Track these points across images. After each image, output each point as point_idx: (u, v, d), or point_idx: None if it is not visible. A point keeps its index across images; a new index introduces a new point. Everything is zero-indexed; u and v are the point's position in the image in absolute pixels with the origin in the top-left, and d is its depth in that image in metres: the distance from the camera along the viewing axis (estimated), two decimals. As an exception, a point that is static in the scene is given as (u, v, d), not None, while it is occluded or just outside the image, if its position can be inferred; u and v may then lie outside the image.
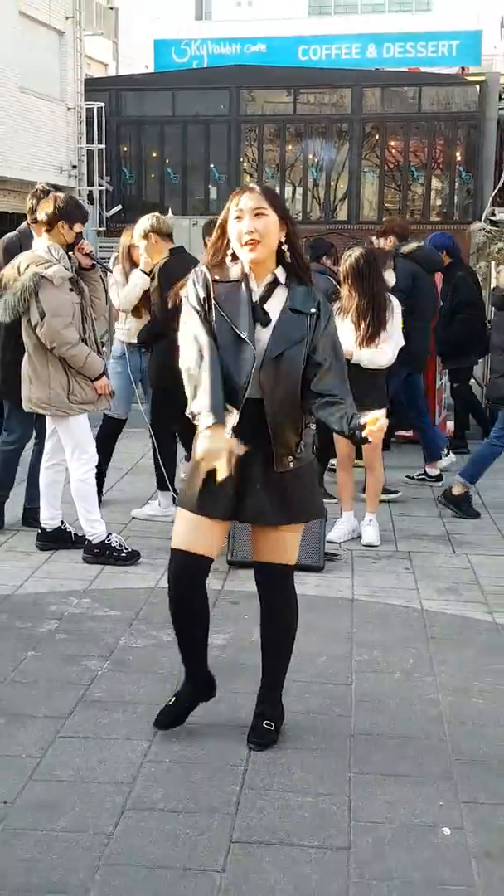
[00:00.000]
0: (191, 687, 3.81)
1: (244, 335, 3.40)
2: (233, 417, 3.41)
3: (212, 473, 3.43)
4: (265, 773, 3.52)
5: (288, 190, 29.89)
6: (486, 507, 7.15)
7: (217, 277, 3.48)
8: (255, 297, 3.46)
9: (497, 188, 27.62)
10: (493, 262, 11.62)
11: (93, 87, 28.07)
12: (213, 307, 3.45)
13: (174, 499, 6.61)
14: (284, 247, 3.49)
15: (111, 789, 3.39)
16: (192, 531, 3.59)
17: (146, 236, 6.36)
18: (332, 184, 29.93)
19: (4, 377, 6.05)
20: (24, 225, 6.50)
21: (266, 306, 3.46)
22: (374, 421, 3.28)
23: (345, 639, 4.72)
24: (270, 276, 3.49)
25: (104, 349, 5.97)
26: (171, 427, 6.47)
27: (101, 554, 5.72)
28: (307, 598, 4.54)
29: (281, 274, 3.50)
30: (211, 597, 5.16)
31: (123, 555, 5.72)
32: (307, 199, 29.83)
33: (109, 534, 5.79)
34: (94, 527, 5.74)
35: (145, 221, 6.40)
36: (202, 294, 3.47)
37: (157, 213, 6.58)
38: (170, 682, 4.18)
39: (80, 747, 3.67)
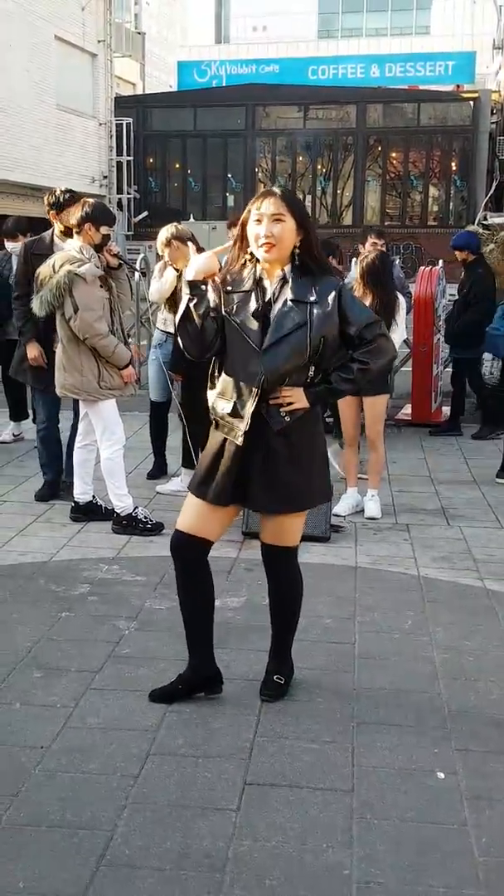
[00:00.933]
0: (191, 675, 3.68)
1: (254, 344, 3.33)
2: (245, 422, 3.36)
3: (218, 460, 3.43)
4: (276, 722, 3.50)
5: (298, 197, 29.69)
6: (476, 482, 7.10)
7: (230, 288, 3.39)
8: (269, 296, 3.37)
9: (489, 195, 27.44)
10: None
11: (122, 104, 27.96)
12: (225, 312, 3.37)
13: None
14: (297, 250, 3.37)
15: (137, 736, 3.38)
16: (194, 515, 3.53)
17: (168, 244, 6.38)
18: (338, 192, 29.80)
19: (25, 366, 6.24)
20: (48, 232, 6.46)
21: (276, 304, 3.36)
22: (287, 395, 3.33)
23: (348, 602, 4.70)
24: (280, 272, 3.39)
25: (131, 340, 5.96)
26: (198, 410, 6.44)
27: (129, 525, 5.71)
28: (314, 566, 4.53)
29: (289, 271, 3.39)
30: (226, 564, 5.19)
31: (149, 526, 5.71)
32: (316, 205, 29.69)
33: (136, 507, 5.78)
34: (122, 500, 5.73)
35: (165, 231, 6.42)
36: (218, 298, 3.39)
37: (175, 223, 6.59)
38: (190, 641, 4.17)
39: (109, 698, 3.66)
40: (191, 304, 3.32)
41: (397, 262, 9.04)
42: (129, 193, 27.31)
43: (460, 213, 28.83)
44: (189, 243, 6.36)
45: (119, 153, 26.44)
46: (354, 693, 3.75)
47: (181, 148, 30.07)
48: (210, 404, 3.52)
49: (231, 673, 3.87)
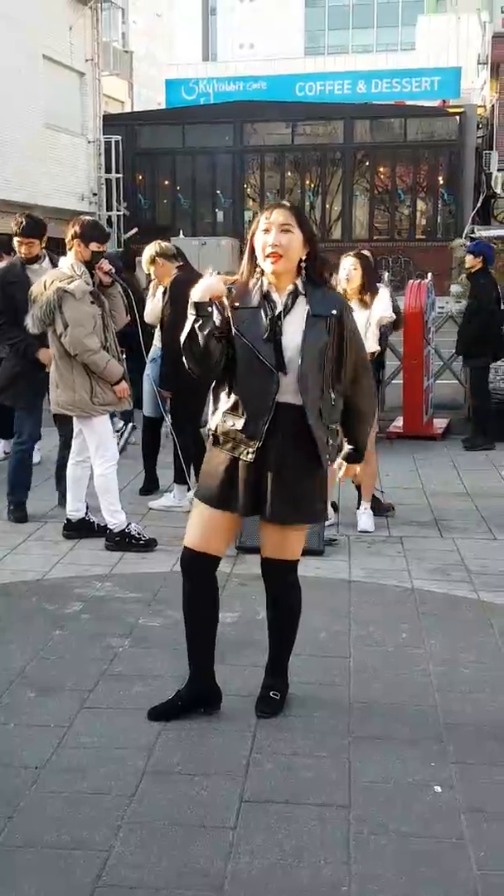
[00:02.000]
0: (191, 691, 3.65)
1: (270, 363, 3.32)
2: (258, 440, 3.37)
3: (226, 471, 3.43)
4: (272, 738, 3.48)
5: (287, 213, 29.78)
6: (469, 494, 7.10)
7: (238, 304, 3.37)
8: (279, 309, 3.36)
9: (476, 208, 27.60)
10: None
11: (111, 122, 28.09)
12: (233, 329, 3.36)
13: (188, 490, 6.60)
14: (304, 264, 3.39)
15: (132, 755, 3.35)
16: (203, 531, 3.54)
17: (153, 262, 6.42)
18: (326, 206, 29.91)
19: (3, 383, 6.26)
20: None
21: (289, 316, 3.36)
22: (350, 470, 3.66)
23: (343, 616, 4.68)
24: (291, 286, 3.38)
25: (123, 356, 5.94)
26: (188, 426, 6.47)
27: (122, 542, 5.69)
28: (309, 580, 4.50)
29: (301, 284, 3.40)
30: (221, 579, 5.12)
31: (142, 542, 5.69)
32: (305, 220, 29.70)
33: (129, 523, 5.76)
34: (115, 517, 5.71)
35: (150, 249, 6.47)
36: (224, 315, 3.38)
37: (158, 241, 6.62)
38: (185, 657, 4.14)
39: (103, 717, 3.63)
40: (195, 325, 3.29)
41: (386, 276, 9.07)
42: (118, 210, 27.38)
43: (448, 227, 28.98)
44: (173, 259, 6.41)
45: (108, 171, 26.53)
46: (350, 707, 3.73)
47: (170, 165, 30.19)
48: (214, 421, 3.48)
49: (226, 689, 3.84)
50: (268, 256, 3.32)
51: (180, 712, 3.61)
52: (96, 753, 3.37)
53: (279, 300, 3.38)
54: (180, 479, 6.53)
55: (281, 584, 3.66)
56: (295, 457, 3.40)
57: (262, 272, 3.39)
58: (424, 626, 4.57)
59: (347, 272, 6.05)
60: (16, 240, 6.23)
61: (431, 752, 3.39)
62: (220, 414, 3.46)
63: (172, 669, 4.03)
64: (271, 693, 3.71)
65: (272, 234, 3.31)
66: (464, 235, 24.32)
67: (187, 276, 6.35)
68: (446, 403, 10.38)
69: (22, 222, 6.15)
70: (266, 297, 3.37)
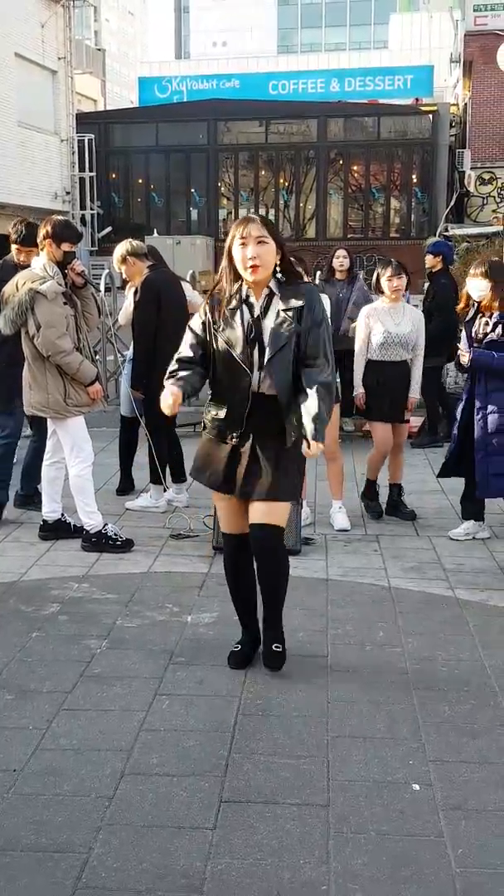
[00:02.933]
0: (248, 636, 4.16)
1: (245, 366, 3.73)
2: (239, 427, 3.82)
3: (218, 454, 3.87)
4: (251, 738, 3.49)
5: (261, 211, 29.85)
6: (444, 492, 7.14)
7: (218, 305, 3.78)
8: (257, 312, 3.76)
9: (449, 206, 27.71)
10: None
11: (83, 120, 27.94)
12: (213, 333, 3.79)
13: (164, 491, 6.59)
14: (278, 268, 3.77)
15: (111, 756, 3.35)
16: (231, 516, 3.99)
17: (124, 261, 6.37)
18: (300, 205, 29.93)
19: None
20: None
21: (266, 316, 3.76)
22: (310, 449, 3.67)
23: (320, 615, 4.70)
24: (266, 289, 3.77)
25: (98, 357, 5.93)
26: (162, 426, 6.46)
27: (99, 543, 5.67)
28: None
29: (274, 286, 3.78)
30: (198, 579, 5.18)
31: (119, 543, 5.68)
32: (279, 219, 29.77)
33: (105, 524, 5.75)
34: (91, 518, 5.69)
35: (121, 248, 6.41)
36: (203, 320, 3.84)
37: (129, 239, 6.58)
38: (163, 658, 4.16)
39: (81, 719, 3.63)
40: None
41: (361, 275, 9.08)
42: (92, 209, 27.26)
43: (422, 225, 29.06)
44: (144, 259, 6.38)
45: (81, 169, 26.41)
46: (329, 706, 3.75)
47: (144, 163, 30.06)
48: (207, 410, 3.94)
49: (204, 689, 3.86)
50: (248, 268, 3.69)
51: (252, 654, 4.11)
52: (75, 755, 3.36)
53: (257, 303, 3.78)
54: (156, 479, 6.52)
55: (270, 546, 3.95)
56: (274, 441, 3.81)
57: (241, 279, 3.76)
58: (401, 625, 4.60)
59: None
60: (14, 247, 6.20)
61: (410, 751, 3.41)
62: (206, 403, 3.94)
63: (151, 671, 4.03)
64: (274, 647, 4.05)
65: (250, 248, 3.67)
66: (437, 233, 24.41)
67: (158, 276, 6.35)
68: (422, 401, 10.40)
69: (22, 231, 6.11)
70: (245, 300, 3.77)
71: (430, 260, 9.00)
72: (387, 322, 6.23)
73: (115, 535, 5.72)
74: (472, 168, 28.16)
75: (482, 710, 3.73)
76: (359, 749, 3.42)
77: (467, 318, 5.78)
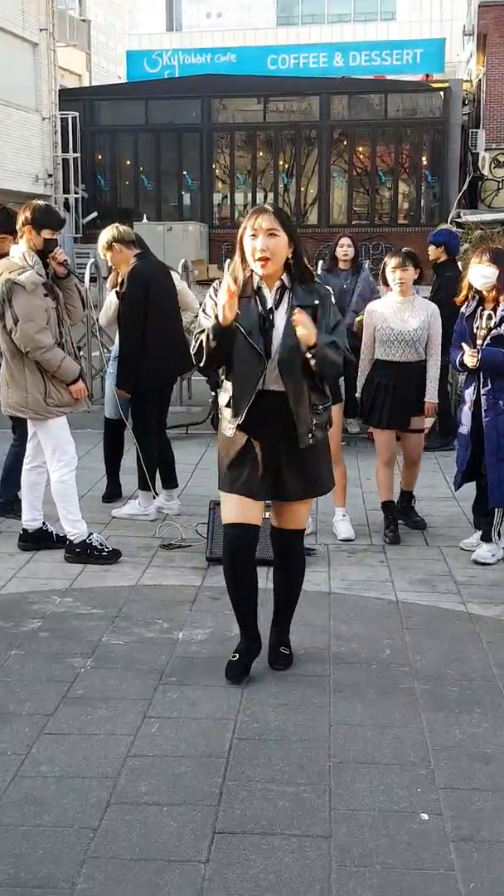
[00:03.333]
0: (246, 642, 4.24)
1: (259, 348, 3.91)
2: (240, 416, 3.99)
3: (242, 457, 4.01)
4: (247, 764, 3.50)
5: (259, 195, 29.93)
6: (456, 499, 7.15)
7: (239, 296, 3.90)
8: (269, 304, 3.95)
9: (462, 191, 27.74)
10: (459, 263, 11.62)
11: (67, 97, 27.98)
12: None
13: (154, 497, 6.60)
14: (291, 261, 3.96)
15: (95, 784, 3.36)
16: (239, 506, 4.07)
17: (110, 247, 6.33)
18: (301, 189, 29.97)
19: None
20: None
21: (277, 310, 3.95)
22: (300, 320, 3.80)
23: (322, 631, 4.71)
24: (279, 282, 3.97)
25: (81, 354, 5.92)
26: (151, 428, 6.48)
27: (83, 553, 5.68)
28: (285, 593, 4.53)
29: (287, 279, 3.98)
30: (190, 593, 5.19)
31: (104, 554, 5.69)
32: (278, 203, 29.79)
33: (90, 533, 5.75)
34: (75, 526, 5.70)
35: (107, 233, 6.37)
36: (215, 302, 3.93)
37: (116, 224, 6.55)
38: (152, 678, 4.17)
39: (64, 743, 3.63)
40: (211, 344, 3.90)
41: (366, 266, 9.08)
42: (76, 193, 27.29)
43: (432, 211, 29.12)
44: (132, 246, 6.38)
45: (65, 150, 26.45)
46: (330, 729, 3.76)
47: (132, 143, 30.11)
48: (221, 401, 4.11)
49: (196, 712, 3.87)
50: (257, 260, 3.87)
51: (250, 665, 4.19)
52: (57, 783, 3.37)
53: (269, 295, 3.97)
54: (144, 485, 6.53)
55: (290, 551, 4.30)
56: (291, 438, 3.99)
57: (252, 270, 3.93)
58: (410, 642, 4.61)
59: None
60: None
61: (418, 777, 3.42)
62: (221, 394, 4.12)
63: (139, 692, 4.04)
64: (281, 649, 4.31)
65: (259, 240, 3.85)
66: (449, 220, 24.48)
67: (146, 265, 6.35)
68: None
69: None
70: (258, 291, 3.96)
71: (432, 251, 8.96)
72: (391, 318, 6.15)
73: (101, 545, 5.72)
74: (486, 149, 28.19)
75: (496, 734, 3.74)
76: (363, 776, 3.43)
77: (467, 312, 5.72)
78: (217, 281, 4.12)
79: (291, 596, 4.39)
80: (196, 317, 4.65)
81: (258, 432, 4.00)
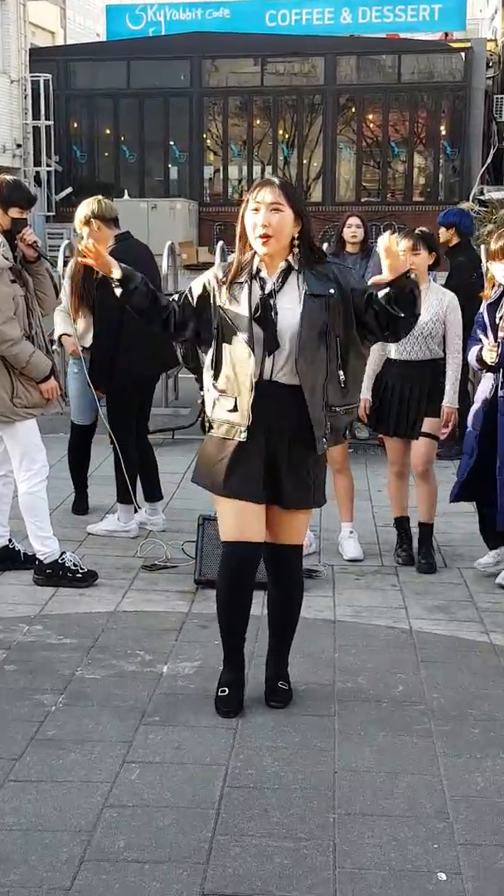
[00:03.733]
0: (233, 674, 4.29)
1: (245, 342, 3.93)
2: (244, 416, 4.00)
3: (234, 458, 4.03)
4: (240, 815, 3.49)
5: (256, 169, 30.00)
6: (477, 514, 7.15)
7: (226, 279, 4.00)
8: (269, 288, 3.97)
9: (485, 164, 27.80)
10: (482, 246, 11.63)
11: (38, 57, 28.05)
12: (217, 309, 4.02)
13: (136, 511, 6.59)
14: (296, 241, 3.98)
15: (68, 838, 3.35)
16: (241, 519, 4.11)
17: (88, 223, 6.27)
18: (304, 162, 30.02)
19: None
20: None
21: (281, 295, 3.97)
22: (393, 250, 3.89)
23: (326, 665, 4.71)
24: (283, 263, 3.98)
25: (54, 348, 5.91)
26: (132, 433, 6.47)
27: (54, 575, 5.68)
28: (284, 620, 4.53)
29: (294, 261, 3.99)
30: (175, 621, 5.19)
31: (79, 575, 5.68)
32: (277, 178, 29.78)
33: (63, 552, 5.75)
34: (45, 544, 5.69)
35: (86, 207, 6.31)
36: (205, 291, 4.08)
37: (98, 197, 6.49)
38: (132, 717, 4.16)
39: (32, 792, 3.62)
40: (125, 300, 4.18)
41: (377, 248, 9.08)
42: (48, 165, 27.34)
43: (452, 187, 29.20)
44: (113, 225, 6.36)
45: (36, 117, 26.49)
46: (335, 777, 3.75)
47: (112, 110, 30.15)
48: (207, 407, 4.14)
49: (183, 756, 3.86)
50: (258, 237, 3.89)
51: (242, 698, 4.26)
52: (24, 837, 3.36)
53: (269, 279, 3.99)
54: (125, 497, 6.52)
55: (289, 569, 4.32)
56: (295, 438, 4.04)
57: (254, 251, 3.97)
58: (425, 677, 4.61)
59: None
60: None
61: (434, 832, 3.42)
62: (212, 398, 4.10)
63: (117, 732, 4.03)
64: (280, 684, 4.32)
65: (261, 215, 3.88)
66: (471, 197, 24.55)
67: (128, 248, 6.32)
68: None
69: None
70: (256, 275, 3.99)
71: (443, 234, 8.91)
72: None
73: (75, 565, 5.72)
74: (513, 118, 28.26)
75: (523, 782, 3.74)
76: (372, 829, 3.42)
77: (489, 301, 5.70)
78: (218, 266, 4.15)
79: (289, 621, 4.39)
80: None
81: (259, 428, 4.01)
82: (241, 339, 3.96)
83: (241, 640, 4.30)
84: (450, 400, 6.03)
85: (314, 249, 4.08)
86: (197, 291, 4.12)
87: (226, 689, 4.24)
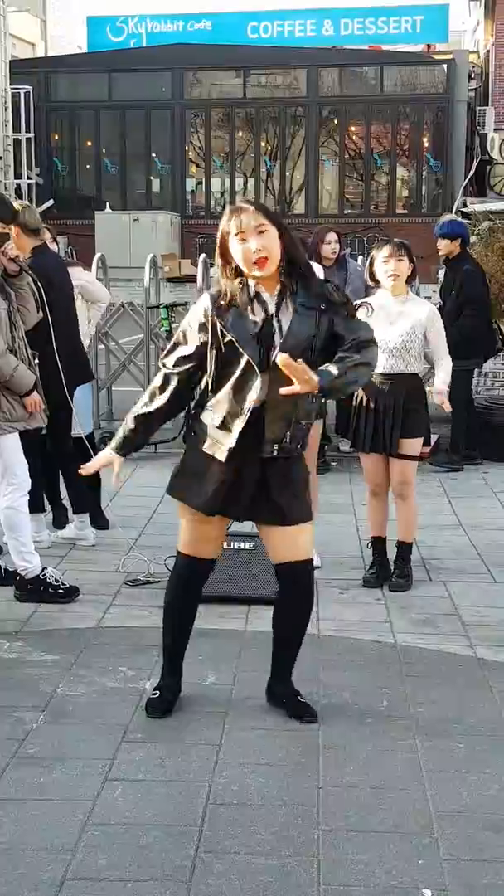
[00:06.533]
0: (173, 679, 4.43)
1: (254, 361, 3.93)
2: (232, 437, 4.01)
3: (210, 470, 4.07)
4: (223, 833, 3.48)
5: (239, 181, 30.08)
6: (463, 527, 7.18)
7: (222, 303, 3.97)
8: (272, 309, 3.97)
9: (468, 176, 27.91)
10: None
11: (19, 69, 28.01)
12: (218, 335, 3.97)
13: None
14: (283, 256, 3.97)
15: (49, 858, 3.33)
16: (207, 539, 4.27)
17: (8, 225, 6.10)
18: (287, 174, 30.09)
19: None
20: None
21: (281, 314, 3.97)
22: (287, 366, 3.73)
23: (310, 681, 4.70)
24: (279, 284, 3.98)
25: (36, 361, 5.89)
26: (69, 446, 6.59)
27: (36, 590, 5.66)
28: (266, 635, 4.53)
29: (287, 280, 3.99)
30: (158, 636, 5.16)
31: (61, 591, 5.67)
32: (260, 190, 29.94)
33: (44, 568, 5.74)
34: (26, 560, 5.68)
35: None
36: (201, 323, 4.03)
37: (25, 203, 6.46)
38: (115, 734, 4.15)
39: (12, 811, 3.61)
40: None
41: (359, 260, 9.12)
42: (29, 178, 27.27)
43: (435, 199, 29.32)
44: (34, 236, 6.24)
45: (16, 129, 26.42)
46: (319, 793, 3.75)
47: (94, 122, 30.20)
48: (197, 417, 4.15)
49: (166, 773, 3.86)
50: (255, 263, 3.88)
51: (174, 703, 4.36)
52: (4, 856, 3.34)
53: (270, 299, 3.98)
54: (80, 507, 6.62)
55: (299, 587, 4.32)
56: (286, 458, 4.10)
57: (242, 276, 3.96)
58: (410, 692, 4.61)
59: None
60: None
61: (419, 848, 3.41)
62: (204, 410, 4.10)
63: (99, 750, 4.02)
64: (299, 698, 4.38)
65: (252, 241, 3.87)
66: (454, 210, 24.61)
67: (41, 263, 6.15)
68: (436, 415, 10.47)
69: None
70: (257, 297, 3.97)
71: (445, 245, 8.98)
72: (375, 320, 5.57)
73: (57, 580, 5.71)
74: (495, 130, 28.42)
75: (509, 797, 3.74)
76: (357, 846, 3.42)
77: None
78: (206, 298, 4.06)
79: (289, 639, 4.43)
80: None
81: (248, 449, 4.02)
82: (249, 359, 3.92)
83: (185, 644, 4.46)
84: (441, 380, 5.93)
85: (301, 260, 4.08)
86: (195, 331, 4.05)
87: (158, 691, 4.41)
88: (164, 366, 4.16)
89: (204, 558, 4.32)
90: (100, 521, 6.94)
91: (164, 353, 4.23)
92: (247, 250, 3.87)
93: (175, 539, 5.84)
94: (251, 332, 3.95)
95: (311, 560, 4.35)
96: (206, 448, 4.10)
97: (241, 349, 3.94)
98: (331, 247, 8.56)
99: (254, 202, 4.01)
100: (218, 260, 4.01)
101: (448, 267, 9.14)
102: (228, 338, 3.95)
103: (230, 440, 4.01)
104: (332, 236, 8.63)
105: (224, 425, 4.03)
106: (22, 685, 4.63)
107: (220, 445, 4.05)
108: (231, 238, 3.91)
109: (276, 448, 4.04)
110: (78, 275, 6.98)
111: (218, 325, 3.97)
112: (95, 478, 6.96)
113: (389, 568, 6.07)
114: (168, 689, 4.38)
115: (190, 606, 4.41)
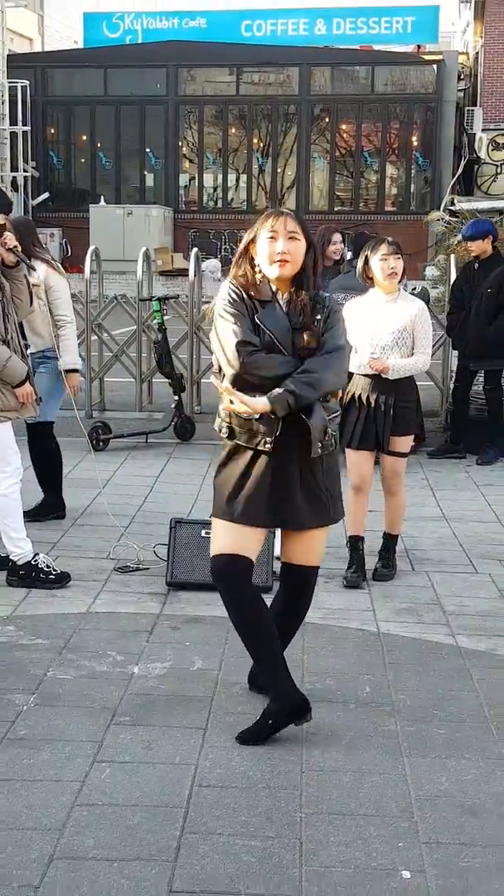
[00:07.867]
0: (277, 706, 4.06)
1: (288, 352, 3.96)
2: (277, 426, 3.94)
3: (245, 479, 3.99)
4: (208, 815, 3.50)
5: (231, 177, 30.03)
6: (447, 519, 7.20)
7: (252, 293, 4.00)
8: (285, 309, 4.02)
9: (456, 175, 27.91)
10: (452, 256, 11.69)
11: (16, 63, 27.95)
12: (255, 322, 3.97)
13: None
14: (303, 269, 4.02)
15: (37, 837, 3.34)
16: (251, 539, 4.06)
17: None
18: (278, 170, 30.05)
19: None
20: None
21: (293, 316, 4.01)
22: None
23: (294, 666, 4.69)
24: (287, 294, 4.03)
25: (28, 352, 5.89)
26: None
27: (27, 576, 5.66)
28: (253, 622, 4.53)
29: (296, 292, 4.03)
30: (148, 622, 5.18)
31: (52, 577, 5.67)
32: (252, 186, 29.92)
33: (36, 553, 5.73)
34: (18, 546, 5.67)
35: None
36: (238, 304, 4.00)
37: None
38: (103, 717, 4.15)
39: (3, 790, 3.61)
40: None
41: (349, 256, 9.11)
42: (25, 171, 27.23)
43: (423, 197, 29.32)
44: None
45: (13, 122, 26.38)
46: (302, 776, 3.76)
47: (89, 117, 30.10)
48: (226, 411, 4.03)
49: (152, 756, 3.86)
50: (275, 262, 3.95)
51: (273, 732, 4.02)
52: (-6, 836, 3.35)
53: (282, 300, 4.03)
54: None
55: (301, 592, 4.29)
56: (300, 457, 4.01)
57: (262, 273, 4.01)
58: (392, 679, 4.62)
59: None
60: None
61: (399, 830, 3.43)
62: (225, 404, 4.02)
63: (89, 733, 4.03)
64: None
65: (280, 242, 3.95)
66: (442, 207, 24.60)
67: None
68: (428, 410, 10.48)
69: None
70: (275, 294, 4.03)
71: (477, 246, 8.79)
72: (366, 319, 5.83)
73: (48, 567, 5.71)
74: (483, 130, 28.41)
75: (487, 782, 3.76)
76: (338, 828, 3.43)
77: None
78: (227, 288, 4.03)
79: (289, 636, 4.38)
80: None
81: (280, 449, 3.96)
82: (283, 351, 3.94)
83: (274, 656, 4.13)
84: (400, 364, 5.80)
85: (315, 279, 4.08)
86: (241, 308, 3.96)
87: (263, 716, 4.10)
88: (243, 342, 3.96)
89: (246, 556, 4.05)
90: (59, 509, 7.00)
91: (236, 344, 3.93)
92: (273, 248, 3.94)
93: (164, 528, 5.89)
94: (286, 323, 3.97)
95: (318, 568, 4.29)
96: (244, 441, 3.99)
97: (275, 339, 3.95)
98: (336, 247, 8.53)
99: (293, 213, 4.07)
100: (243, 259, 4.04)
101: (480, 264, 8.96)
102: (265, 330, 3.95)
103: (275, 428, 3.92)
104: (337, 237, 8.60)
105: (271, 423, 3.92)
106: (13, 669, 4.63)
107: (262, 437, 3.95)
108: (261, 235, 3.98)
109: (320, 447, 3.99)
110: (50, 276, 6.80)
111: (255, 318, 3.97)
112: (58, 464, 6.98)
113: (365, 564, 6.03)
114: (268, 715, 4.06)
115: (256, 601, 4.10)
